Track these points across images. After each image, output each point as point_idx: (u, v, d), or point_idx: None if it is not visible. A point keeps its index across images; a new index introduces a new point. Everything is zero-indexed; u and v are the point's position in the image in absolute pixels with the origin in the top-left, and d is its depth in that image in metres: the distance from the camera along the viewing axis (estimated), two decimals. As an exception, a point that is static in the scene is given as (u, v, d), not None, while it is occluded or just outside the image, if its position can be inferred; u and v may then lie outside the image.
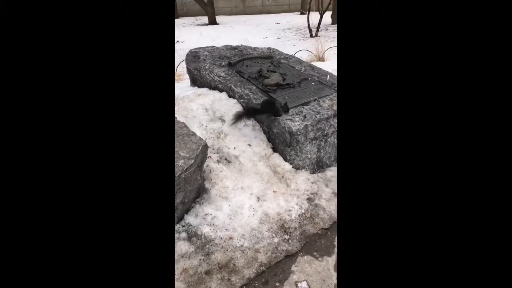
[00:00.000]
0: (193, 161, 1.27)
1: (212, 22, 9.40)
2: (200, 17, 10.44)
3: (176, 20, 10.26)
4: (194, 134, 1.44)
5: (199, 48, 2.55)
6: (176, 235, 1.32)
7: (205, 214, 1.41)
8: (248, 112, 1.73)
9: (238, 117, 1.71)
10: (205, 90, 2.16)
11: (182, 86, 2.68)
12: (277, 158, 1.68)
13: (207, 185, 1.49)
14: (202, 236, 1.32)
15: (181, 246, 1.27)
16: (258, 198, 1.48)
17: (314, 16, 6.40)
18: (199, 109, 1.90)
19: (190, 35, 7.28)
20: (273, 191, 1.52)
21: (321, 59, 3.88)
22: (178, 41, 6.59)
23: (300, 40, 6.00)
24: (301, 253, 1.30)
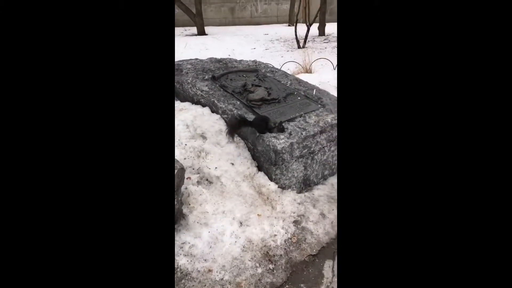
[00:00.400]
0: (167, 187, 1.16)
1: (201, 32, 9.39)
2: (189, 28, 10.43)
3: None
4: (170, 155, 1.33)
5: (182, 60, 2.47)
6: (149, 269, 1.19)
7: (183, 243, 1.29)
8: (239, 123, 1.63)
9: (233, 127, 1.62)
10: (187, 104, 2.06)
11: (165, 99, 2.58)
12: (262, 178, 1.59)
13: (185, 210, 1.38)
14: (178, 269, 1.19)
15: (154, 282, 1.14)
16: (241, 223, 1.38)
17: (302, 28, 6.47)
18: (179, 126, 1.80)
19: (177, 45, 7.21)
20: (257, 214, 1.42)
21: (309, 70, 3.87)
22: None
23: (288, 51, 6.03)
24: (287, 285, 1.19)
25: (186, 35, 9.37)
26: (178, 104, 2.08)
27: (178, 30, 10.39)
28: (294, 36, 6.32)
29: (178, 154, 1.57)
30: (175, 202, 1.31)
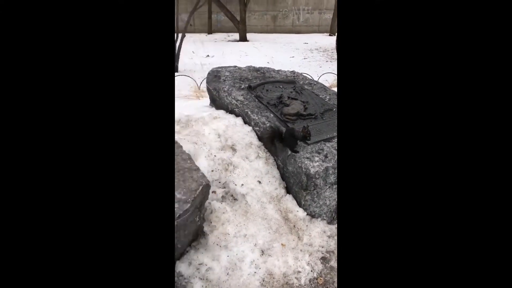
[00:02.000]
0: (189, 205, 1.09)
1: (243, 39, 9.58)
2: (232, 34, 10.72)
3: (209, 36, 10.63)
4: (197, 169, 1.27)
5: (221, 67, 2.45)
6: (161, 289, 1.13)
7: (200, 264, 1.20)
8: (273, 136, 1.53)
9: (273, 136, 1.53)
10: (221, 113, 2.02)
11: (201, 105, 2.58)
12: (289, 202, 1.45)
13: (206, 227, 1.30)
14: (191, 295, 1.11)
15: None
16: (263, 251, 1.25)
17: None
18: (211, 134, 1.75)
19: (220, 50, 7.42)
20: (282, 244, 1.29)
21: (350, 84, 3.65)
22: (208, 56, 6.74)
23: (327, 61, 5.83)
24: (308, 335, 1.04)
25: (229, 40, 9.63)
26: (212, 112, 2.04)
27: (221, 36, 10.74)
28: (335, 46, 6.09)
29: (207, 165, 1.51)
30: (197, 218, 1.24)
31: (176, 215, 1.06)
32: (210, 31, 11.15)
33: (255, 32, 11.18)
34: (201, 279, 1.16)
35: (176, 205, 1.09)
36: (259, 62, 5.65)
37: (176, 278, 1.17)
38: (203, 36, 10.23)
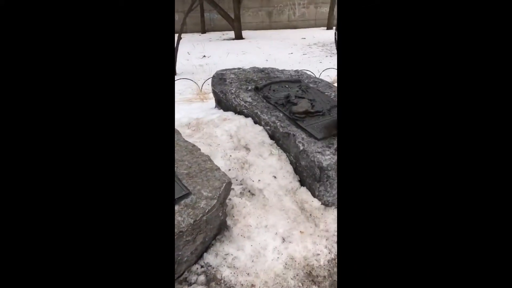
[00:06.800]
0: (215, 201, 1.20)
1: (238, 37, 9.60)
2: (226, 32, 10.73)
3: (203, 35, 10.62)
4: (218, 169, 1.38)
5: (226, 70, 2.55)
6: (194, 278, 1.24)
7: (226, 254, 1.32)
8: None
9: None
10: (230, 114, 2.12)
11: (207, 107, 2.68)
12: (304, 193, 1.57)
13: (228, 221, 1.41)
14: (222, 281, 1.23)
15: (200, 291, 1.19)
16: (283, 239, 1.37)
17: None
18: (223, 136, 1.86)
19: (216, 50, 7.46)
20: (300, 231, 1.40)
21: (350, 78, 3.73)
22: (204, 56, 6.78)
23: (326, 56, 5.89)
24: (331, 310, 1.16)
25: (224, 39, 9.66)
26: (221, 114, 2.15)
27: (216, 35, 10.74)
28: (333, 40, 6.15)
29: (223, 165, 1.62)
30: (220, 214, 1.35)
31: (205, 211, 1.17)
32: (203, 31, 11.13)
33: (250, 29, 11.18)
34: (228, 267, 1.28)
35: (204, 203, 1.20)
36: (257, 60, 5.70)
37: (205, 269, 1.29)
38: (196, 36, 10.19)
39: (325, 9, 10.48)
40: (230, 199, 1.49)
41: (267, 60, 5.80)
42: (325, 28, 10.29)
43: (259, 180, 1.57)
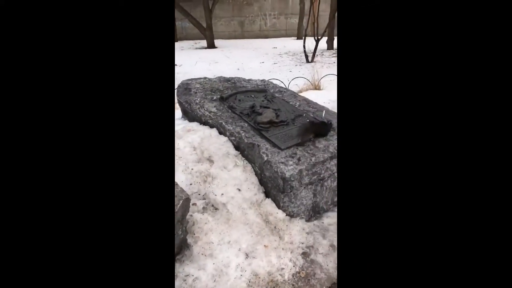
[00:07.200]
0: (171, 219, 1.13)
1: (211, 45, 9.59)
2: (199, 41, 10.68)
3: (175, 44, 10.47)
4: (175, 184, 1.31)
5: (191, 79, 2.49)
6: (151, 305, 1.15)
7: (186, 275, 1.24)
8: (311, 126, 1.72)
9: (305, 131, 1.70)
10: (195, 125, 2.06)
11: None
12: (269, 205, 1.54)
13: (189, 240, 1.34)
14: (181, 306, 1.14)
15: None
16: (247, 254, 1.32)
17: (310, 41, 6.51)
18: (186, 148, 1.78)
19: (187, 59, 7.37)
20: (264, 245, 1.37)
21: (317, 87, 3.85)
22: (176, 65, 6.66)
23: (296, 65, 6.06)
24: (294, 327, 1.12)
25: (196, 48, 9.58)
26: (186, 125, 2.08)
27: (188, 43, 10.64)
28: (303, 50, 6.35)
29: (184, 179, 1.55)
30: (180, 232, 1.27)
31: (160, 231, 1.09)
32: (175, 39, 11.02)
33: (223, 39, 11.24)
34: (189, 289, 1.20)
35: (159, 221, 1.12)
36: (229, 69, 5.71)
37: (164, 292, 1.20)
38: (170, 44, 10.00)
39: (295, 20, 10.87)
40: (191, 215, 1.42)
41: (238, 69, 5.83)
42: (295, 38, 10.63)
43: (222, 194, 1.52)
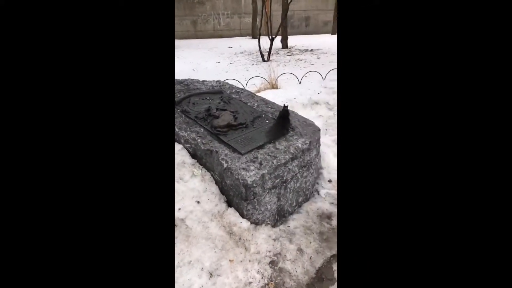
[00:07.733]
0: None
1: (162, 45, 9.07)
2: (149, 41, 10.00)
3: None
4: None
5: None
6: None
7: (142, 309, 1.08)
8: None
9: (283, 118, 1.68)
10: (145, 133, 1.86)
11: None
12: (232, 215, 1.44)
13: (143, 266, 1.17)
14: None
15: None
16: (211, 273, 1.21)
17: (264, 40, 6.54)
18: (136, 160, 1.59)
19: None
20: (229, 260, 1.27)
21: (275, 86, 3.85)
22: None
23: (253, 64, 6.03)
24: None
25: (147, 48, 8.97)
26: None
27: (137, 43, 9.92)
28: (258, 49, 6.36)
29: (134, 196, 1.37)
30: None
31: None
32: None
33: (176, 38, 10.74)
34: (146, 325, 1.04)
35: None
36: (183, 70, 5.44)
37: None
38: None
39: (249, 19, 10.88)
40: (144, 238, 1.25)
41: (193, 69, 5.59)
42: (250, 37, 10.67)
43: (179, 209, 1.38)
